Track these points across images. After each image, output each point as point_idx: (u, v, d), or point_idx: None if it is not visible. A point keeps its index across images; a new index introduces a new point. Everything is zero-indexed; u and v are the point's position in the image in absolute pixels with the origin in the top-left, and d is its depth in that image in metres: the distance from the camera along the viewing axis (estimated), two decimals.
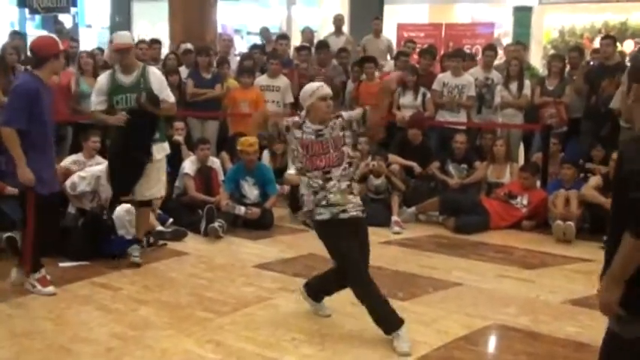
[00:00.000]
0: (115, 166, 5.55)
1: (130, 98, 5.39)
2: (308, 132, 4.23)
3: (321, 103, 4.22)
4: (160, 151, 5.59)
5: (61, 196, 5.46)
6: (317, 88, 4.29)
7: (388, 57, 9.89)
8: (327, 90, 4.29)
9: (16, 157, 4.56)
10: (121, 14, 16.55)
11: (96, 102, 5.49)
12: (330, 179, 4.17)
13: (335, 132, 4.23)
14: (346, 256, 4.13)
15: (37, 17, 17.21)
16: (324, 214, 4.16)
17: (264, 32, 11.31)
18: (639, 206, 2.17)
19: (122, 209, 5.88)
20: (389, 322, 4.04)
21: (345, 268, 4.16)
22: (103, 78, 5.55)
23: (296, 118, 4.36)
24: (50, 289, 4.78)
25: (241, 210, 6.76)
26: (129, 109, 5.35)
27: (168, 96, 5.56)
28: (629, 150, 2.22)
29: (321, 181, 4.17)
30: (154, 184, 5.61)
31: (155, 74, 5.57)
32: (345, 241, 4.12)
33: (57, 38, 5.01)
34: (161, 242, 6.08)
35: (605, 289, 2.29)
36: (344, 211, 4.17)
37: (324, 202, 4.16)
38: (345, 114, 4.34)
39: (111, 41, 9.13)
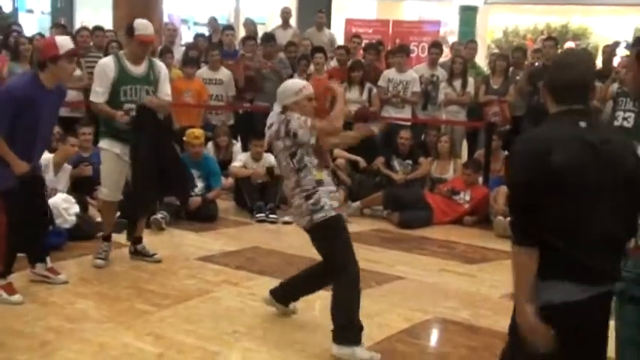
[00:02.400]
0: (150, 174, 5.02)
1: (139, 90, 4.99)
2: None
3: (308, 104, 3.95)
4: None
5: None
6: (304, 86, 4.00)
7: None
8: (312, 90, 4.03)
9: (5, 156, 4.28)
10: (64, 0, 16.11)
11: (101, 92, 4.94)
12: None
13: None
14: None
15: None
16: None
17: (212, 22, 11.18)
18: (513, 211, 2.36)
19: (59, 197, 5.73)
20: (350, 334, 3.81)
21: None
22: (109, 64, 4.98)
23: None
24: (17, 297, 4.42)
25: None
26: (138, 105, 4.96)
27: (167, 94, 5.20)
28: None
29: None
30: None
31: (161, 67, 5.23)
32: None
33: (65, 40, 4.52)
34: (100, 234, 5.93)
35: (518, 313, 2.32)
36: None
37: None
38: None
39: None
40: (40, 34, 10.01)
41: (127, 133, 5.04)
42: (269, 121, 4.02)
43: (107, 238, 5.39)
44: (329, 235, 3.87)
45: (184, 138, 7.11)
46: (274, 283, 4.67)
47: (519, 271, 2.29)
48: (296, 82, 4.21)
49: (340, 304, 3.82)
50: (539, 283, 2.27)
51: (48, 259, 4.81)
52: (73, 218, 5.76)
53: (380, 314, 4.48)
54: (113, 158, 5.15)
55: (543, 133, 2.32)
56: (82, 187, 6.42)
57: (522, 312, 2.29)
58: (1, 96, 4.33)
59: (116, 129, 5.06)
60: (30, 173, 4.44)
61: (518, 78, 8.29)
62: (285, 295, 4.29)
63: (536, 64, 8.72)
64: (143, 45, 5.00)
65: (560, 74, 2.36)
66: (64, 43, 4.41)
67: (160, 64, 5.32)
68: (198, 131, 7.10)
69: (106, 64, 5.02)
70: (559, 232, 2.24)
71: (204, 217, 6.71)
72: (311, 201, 3.84)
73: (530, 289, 2.27)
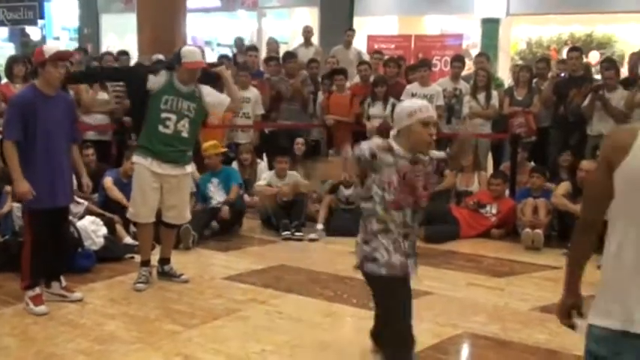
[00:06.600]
0: None
1: (179, 104, 5.09)
2: (400, 156, 3.35)
3: (421, 129, 3.33)
4: (191, 166, 5.42)
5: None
6: (419, 108, 3.37)
7: None
8: (431, 113, 3.40)
9: (11, 170, 4.51)
10: (90, 26, 16.42)
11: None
12: (408, 225, 3.47)
13: (428, 168, 3.49)
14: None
15: (4, 30, 17.03)
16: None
17: (238, 42, 11.28)
18: None
19: (87, 220, 5.80)
20: None
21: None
22: (161, 75, 5.14)
23: (380, 141, 3.41)
24: (42, 308, 4.62)
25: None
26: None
27: (225, 99, 5.36)
28: None
29: (400, 228, 3.42)
30: (184, 207, 5.38)
31: (204, 87, 5.30)
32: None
33: (52, 45, 4.89)
34: (128, 255, 6.00)
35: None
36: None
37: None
38: (432, 153, 3.53)
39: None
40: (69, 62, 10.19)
41: (166, 152, 5.13)
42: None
43: (145, 263, 5.38)
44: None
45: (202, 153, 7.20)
46: (301, 300, 4.68)
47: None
48: (412, 104, 3.46)
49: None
50: None
51: (62, 278, 4.90)
52: (101, 240, 5.84)
53: None
54: (146, 173, 5.15)
55: None
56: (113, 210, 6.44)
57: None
58: (7, 110, 4.77)
59: (157, 144, 5.11)
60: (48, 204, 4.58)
61: (542, 89, 8.23)
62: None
63: (562, 74, 8.65)
64: (191, 71, 5.14)
65: None
66: (49, 48, 4.66)
67: (203, 86, 5.31)
68: (210, 142, 7.23)
69: (160, 74, 5.16)
70: None
71: (231, 221, 6.94)
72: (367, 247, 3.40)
73: None
